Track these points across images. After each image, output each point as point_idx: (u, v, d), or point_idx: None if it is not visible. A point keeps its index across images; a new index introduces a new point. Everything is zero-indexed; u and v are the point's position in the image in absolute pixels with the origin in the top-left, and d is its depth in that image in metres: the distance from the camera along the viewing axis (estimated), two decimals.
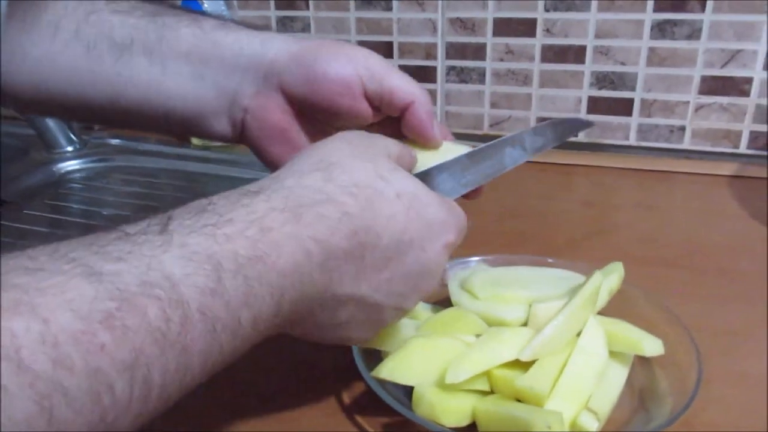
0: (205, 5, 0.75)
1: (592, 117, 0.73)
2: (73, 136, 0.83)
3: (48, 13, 0.38)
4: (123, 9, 0.39)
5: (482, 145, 0.38)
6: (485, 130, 0.78)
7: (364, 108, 0.37)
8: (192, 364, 0.22)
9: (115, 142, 0.86)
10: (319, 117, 0.38)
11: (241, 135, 0.39)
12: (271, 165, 0.39)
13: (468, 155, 0.36)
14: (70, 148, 0.83)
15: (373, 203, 0.28)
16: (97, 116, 0.41)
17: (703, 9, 0.65)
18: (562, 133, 0.40)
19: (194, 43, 0.37)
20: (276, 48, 0.37)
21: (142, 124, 0.40)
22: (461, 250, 0.46)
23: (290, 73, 0.36)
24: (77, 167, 0.82)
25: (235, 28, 0.38)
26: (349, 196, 0.28)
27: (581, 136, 0.75)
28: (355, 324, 0.31)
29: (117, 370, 0.19)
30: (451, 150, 0.37)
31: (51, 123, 0.80)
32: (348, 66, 0.36)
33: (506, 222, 0.62)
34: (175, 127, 0.40)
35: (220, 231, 0.24)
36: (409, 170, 0.34)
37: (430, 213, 0.31)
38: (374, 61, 0.36)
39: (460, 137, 0.80)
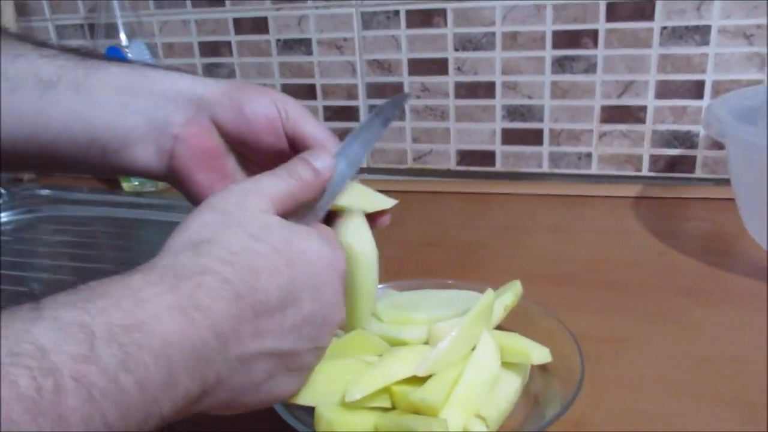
0: (129, 55, 0.77)
1: (506, 148, 0.78)
2: (0, 189, 0.82)
3: None
4: (50, 54, 0.39)
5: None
6: (409, 164, 0.82)
7: (284, 145, 0.38)
8: None
9: (44, 192, 0.86)
10: (244, 151, 0.39)
11: (168, 165, 0.39)
12: (197, 197, 0.39)
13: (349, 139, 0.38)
14: None
15: (252, 266, 0.28)
16: (17, 157, 0.40)
17: (596, 45, 0.71)
18: (386, 116, 0.40)
19: (124, 78, 0.38)
20: (205, 84, 0.38)
21: (60, 159, 0.39)
22: None
23: (222, 107, 0.38)
24: (5, 219, 0.82)
25: (166, 69, 0.39)
26: (226, 265, 0.28)
27: (499, 166, 0.79)
28: (279, 378, 0.30)
29: None
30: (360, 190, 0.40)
31: None
32: (272, 107, 0.38)
33: (421, 250, 0.65)
34: (94, 157, 0.39)
35: (93, 304, 0.24)
36: (317, 194, 0.35)
37: (313, 255, 0.31)
38: (291, 105, 0.38)
39: (385, 172, 0.83)
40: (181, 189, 0.40)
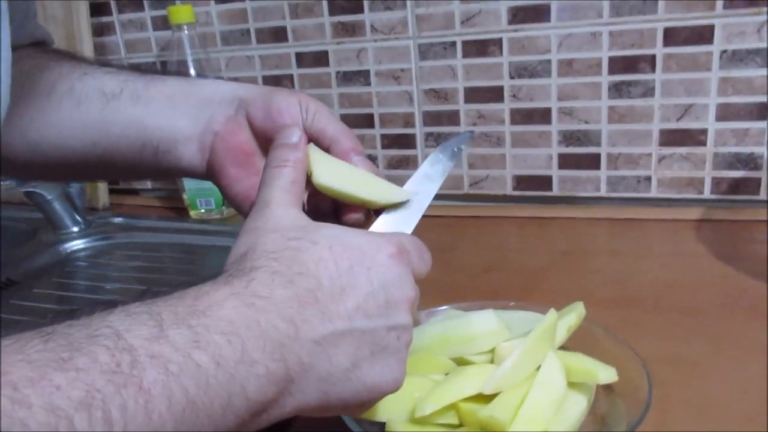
0: None
1: (563, 172, 0.78)
2: (78, 217, 0.88)
3: (43, 81, 0.43)
4: (114, 71, 0.43)
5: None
6: (465, 189, 0.83)
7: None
8: (155, 407, 0.23)
9: (117, 220, 0.91)
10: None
11: (207, 161, 0.41)
12: (229, 190, 0.41)
13: (399, 206, 0.38)
14: (75, 229, 0.88)
15: (295, 257, 0.30)
16: (79, 165, 0.44)
17: (653, 69, 0.71)
18: (452, 151, 0.42)
19: (176, 86, 0.42)
20: (246, 87, 0.41)
21: (117, 163, 0.43)
22: (437, 300, 0.50)
23: (254, 106, 0.40)
24: (82, 246, 0.87)
25: (214, 78, 0.44)
26: (272, 261, 0.29)
27: (555, 191, 0.80)
28: (366, 364, 0.30)
29: (74, 407, 0.21)
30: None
31: (57, 206, 0.86)
32: (296, 106, 0.40)
33: (480, 275, 0.66)
34: (147, 159, 0.42)
35: (159, 300, 0.26)
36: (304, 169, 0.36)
37: (354, 241, 0.32)
38: (315, 105, 0.40)
39: (442, 198, 0.85)
40: (215, 183, 0.42)
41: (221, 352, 0.25)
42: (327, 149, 0.39)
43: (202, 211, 0.88)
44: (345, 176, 0.37)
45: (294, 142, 0.36)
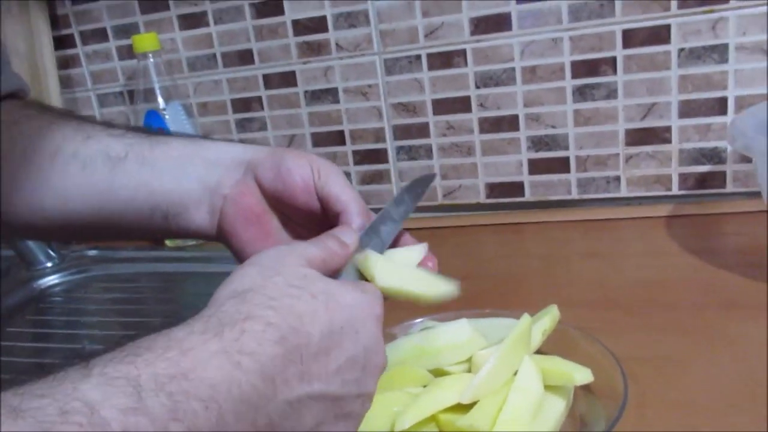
0: (167, 116, 0.82)
1: (534, 178, 0.79)
2: (51, 252, 0.86)
3: (46, 143, 0.42)
4: (119, 133, 0.43)
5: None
6: (440, 200, 0.84)
7: (317, 205, 0.41)
8: None
9: (92, 253, 0.90)
10: (283, 210, 0.42)
11: (218, 224, 0.42)
12: (241, 253, 0.41)
13: (380, 217, 0.39)
14: (49, 264, 0.86)
15: (292, 309, 0.30)
16: (85, 229, 0.44)
17: (615, 71, 0.72)
18: (416, 192, 0.43)
19: (182, 148, 0.42)
20: (255, 149, 0.41)
21: (124, 227, 0.43)
22: (414, 313, 0.50)
23: (264, 167, 0.40)
24: (57, 281, 0.86)
25: (221, 140, 0.43)
26: (268, 310, 0.29)
27: (528, 196, 0.80)
28: (328, 425, 0.31)
29: None
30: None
31: (30, 242, 0.84)
32: (306, 167, 0.40)
33: (461, 285, 0.66)
34: (156, 222, 0.42)
35: (140, 358, 0.25)
36: (343, 263, 0.36)
37: (349, 299, 0.32)
38: (325, 167, 0.41)
39: (417, 210, 0.85)
40: (228, 246, 0.42)
41: (197, 421, 0.24)
42: (337, 215, 0.40)
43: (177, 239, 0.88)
44: (402, 275, 0.37)
45: (344, 241, 0.36)
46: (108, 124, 0.44)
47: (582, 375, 0.39)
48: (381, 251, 0.39)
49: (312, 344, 0.29)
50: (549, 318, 0.43)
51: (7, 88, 0.47)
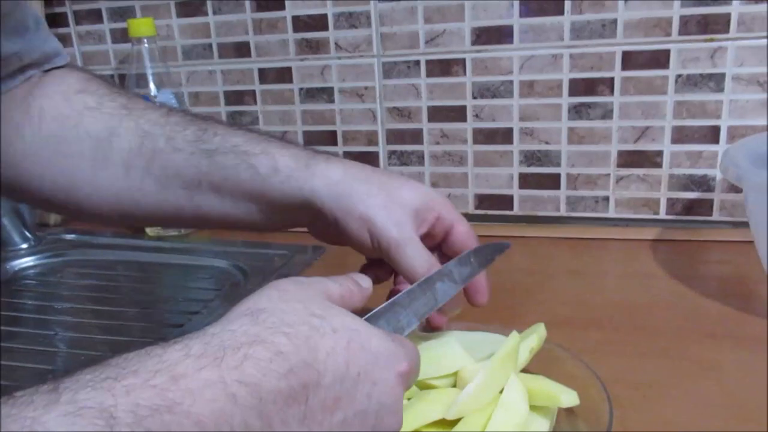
0: (158, 104, 0.80)
1: (524, 192, 0.79)
2: (27, 233, 0.84)
3: (114, 153, 0.44)
4: (181, 146, 0.44)
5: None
6: None
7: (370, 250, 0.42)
8: None
9: (69, 237, 0.88)
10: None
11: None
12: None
13: (400, 297, 0.36)
14: (24, 245, 0.84)
15: (308, 339, 0.26)
16: (183, 227, 0.48)
17: (612, 92, 0.72)
18: (485, 258, 0.42)
19: (255, 188, 0.43)
20: (321, 202, 0.41)
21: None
22: None
23: (329, 226, 0.42)
24: (31, 263, 0.84)
25: (286, 172, 0.42)
26: (281, 336, 0.26)
27: (516, 210, 0.80)
28: None
29: None
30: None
31: (5, 221, 0.82)
32: (365, 234, 0.41)
33: None
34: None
35: (120, 383, 0.22)
36: (360, 306, 0.34)
37: (374, 343, 0.29)
38: (386, 240, 0.40)
39: None
40: None
41: None
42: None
43: (159, 228, 0.86)
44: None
45: (361, 284, 0.35)
46: (162, 124, 0.45)
47: (568, 398, 0.38)
48: (431, 309, 0.37)
49: (322, 386, 0.26)
50: (536, 336, 0.43)
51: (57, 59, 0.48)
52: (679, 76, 0.70)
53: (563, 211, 0.79)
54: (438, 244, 0.44)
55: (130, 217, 0.46)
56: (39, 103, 0.45)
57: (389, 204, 0.40)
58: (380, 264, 0.43)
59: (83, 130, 0.44)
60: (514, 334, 0.40)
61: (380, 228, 0.40)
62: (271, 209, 0.43)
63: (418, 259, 0.39)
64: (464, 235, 0.44)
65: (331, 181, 0.41)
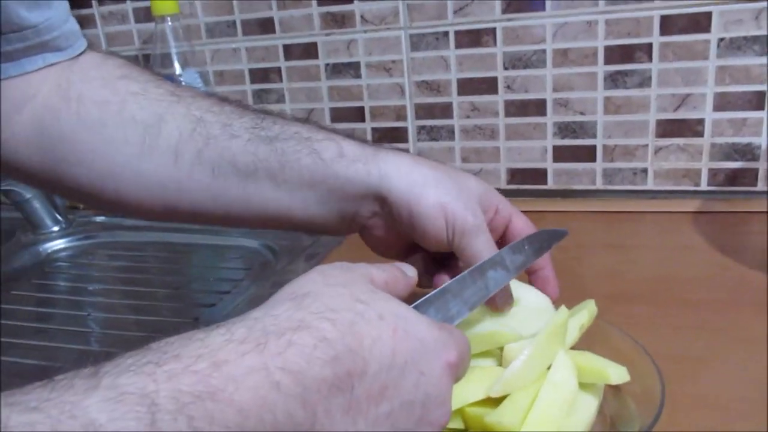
0: (183, 83, 0.79)
1: (558, 165, 0.77)
2: (59, 216, 0.85)
3: (162, 139, 0.42)
4: (240, 134, 0.41)
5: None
6: None
7: (449, 249, 0.41)
8: None
9: (99, 219, 0.88)
10: (419, 243, 0.42)
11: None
12: (379, 254, 0.45)
13: (450, 285, 0.35)
14: (56, 228, 0.85)
15: (353, 326, 0.26)
16: (224, 224, 0.45)
17: (650, 59, 0.70)
18: (540, 245, 0.40)
19: (317, 173, 0.41)
20: (389, 187, 0.40)
21: (256, 225, 0.44)
22: None
23: (398, 207, 0.40)
24: (63, 246, 0.84)
25: (352, 158, 0.41)
26: (325, 321, 0.25)
27: (551, 184, 0.78)
28: None
29: None
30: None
31: (37, 204, 0.83)
32: (441, 222, 0.39)
33: None
34: (293, 230, 0.45)
35: (162, 368, 0.21)
36: (404, 295, 0.33)
37: (421, 331, 0.28)
38: (462, 225, 0.39)
39: None
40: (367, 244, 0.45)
41: None
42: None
43: None
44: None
45: (407, 273, 0.34)
46: (217, 111, 0.43)
47: (618, 374, 0.37)
48: (483, 298, 0.36)
49: (368, 374, 0.25)
50: (587, 313, 0.41)
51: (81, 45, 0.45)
52: (722, 39, 0.67)
53: (599, 185, 0.76)
54: (497, 238, 0.44)
55: (172, 211, 0.43)
56: (77, 88, 0.42)
57: (461, 192, 0.40)
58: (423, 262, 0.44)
59: (128, 116, 0.42)
60: (563, 309, 0.39)
61: (458, 213, 0.39)
62: (330, 197, 0.41)
63: (489, 249, 0.39)
64: (522, 228, 0.44)
65: (401, 167, 0.40)
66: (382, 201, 0.40)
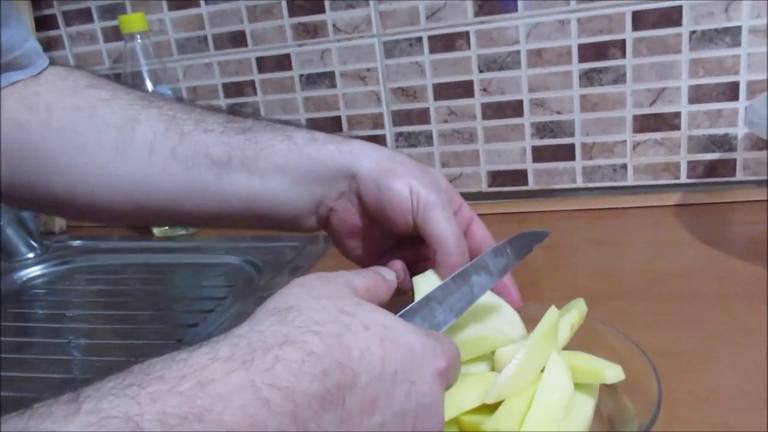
0: None
1: (538, 165, 0.77)
2: (33, 243, 0.83)
3: (136, 139, 0.41)
4: (213, 128, 0.42)
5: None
6: None
7: (414, 231, 0.40)
8: None
9: (76, 243, 0.86)
10: (385, 224, 0.42)
11: (324, 228, 0.44)
12: (348, 254, 0.45)
13: (435, 292, 0.35)
14: (31, 255, 0.83)
15: (340, 338, 0.25)
16: (194, 222, 0.46)
17: (624, 54, 0.70)
18: (521, 247, 0.40)
19: (290, 157, 0.41)
20: (359, 157, 0.41)
21: (231, 224, 0.44)
22: None
23: (366, 187, 0.41)
24: (39, 272, 0.82)
25: (324, 141, 0.42)
26: (312, 335, 0.25)
27: (531, 184, 0.78)
28: None
29: None
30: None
31: (10, 231, 0.80)
32: (406, 196, 0.39)
33: None
34: (269, 226, 0.44)
35: (145, 390, 0.21)
36: (386, 300, 0.33)
37: (410, 340, 0.27)
38: (425, 199, 0.39)
39: None
40: (336, 246, 0.45)
41: None
42: (430, 253, 0.39)
43: (166, 228, 0.84)
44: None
45: (386, 277, 0.34)
46: (188, 110, 0.43)
47: (613, 373, 0.36)
48: (469, 304, 0.35)
49: (358, 386, 0.25)
50: (577, 312, 0.41)
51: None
52: (693, 32, 0.67)
53: (580, 183, 0.76)
54: None
55: (145, 211, 0.43)
56: (46, 99, 0.42)
57: (428, 178, 0.41)
58: (400, 252, 0.43)
59: (100, 120, 0.41)
60: (553, 309, 0.38)
61: (423, 190, 0.40)
62: (302, 180, 0.41)
63: (450, 225, 0.39)
64: (481, 236, 0.45)
65: (371, 148, 0.41)
66: (351, 178, 0.41)
